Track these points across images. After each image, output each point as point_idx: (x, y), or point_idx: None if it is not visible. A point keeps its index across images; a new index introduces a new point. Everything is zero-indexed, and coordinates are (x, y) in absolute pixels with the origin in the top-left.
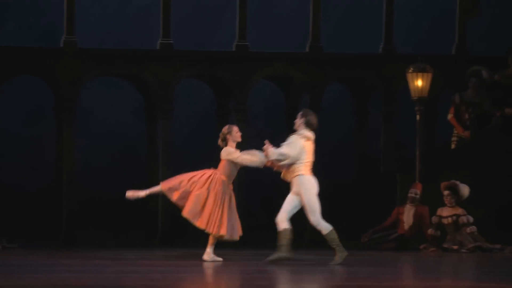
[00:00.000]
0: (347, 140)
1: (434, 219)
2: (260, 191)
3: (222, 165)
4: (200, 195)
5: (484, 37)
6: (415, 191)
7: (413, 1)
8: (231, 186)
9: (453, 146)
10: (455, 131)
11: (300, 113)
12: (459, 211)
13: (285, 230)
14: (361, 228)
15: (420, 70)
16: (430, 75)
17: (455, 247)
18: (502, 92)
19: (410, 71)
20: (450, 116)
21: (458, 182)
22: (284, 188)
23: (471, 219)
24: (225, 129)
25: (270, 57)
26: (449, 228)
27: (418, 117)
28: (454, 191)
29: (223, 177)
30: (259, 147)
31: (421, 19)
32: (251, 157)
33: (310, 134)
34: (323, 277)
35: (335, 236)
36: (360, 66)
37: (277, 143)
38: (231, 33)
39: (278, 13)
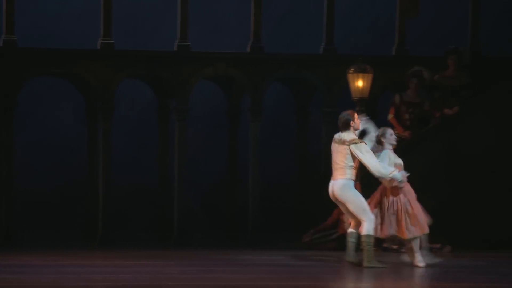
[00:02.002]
0: (288, 140)
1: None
2: (200, 190)
3: None
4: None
5: (424, 38)
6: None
7: (353, 2)
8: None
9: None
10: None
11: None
12: None
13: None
14: (302, 228)
15: (361, 71)
16: (370, 76)
17: (395, 246)
18: (442, 93)
19: (350, 71)
20: (390, 117)
21: None
22: (225, 188)
23: None
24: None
25: (211, 57)
26: None
27: None
28: None
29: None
30: (200, 148)
31: (361, 19)
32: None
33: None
34: (266, 277)
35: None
36: (301, 66)
37: (218, 143)
38: (173, 33)
39: (220, 13)
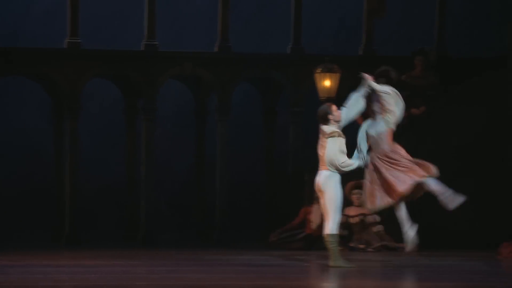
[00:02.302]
0: (255, 139)
1: (342, 218)
2: (168, 190)
3: None
4: None
5: (391, 38)
6: None
7: (321, 2)
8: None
9: None
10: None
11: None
12: (366, 210)
13: None
14: (269, 227)
15: (328, 71)
16: (337, 76)
17: (362, 246)
18: (409, 93)
19: (318, 71)
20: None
21: None
22: (193, 187)
23: (377, 218)
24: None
25: (178, 56)
26: (356, 227)
27: None
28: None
29: None
30: (168, 147)
31: (329, 20)
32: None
33: None
34: (234, 277)
35: None
36: (268, 66)
37: (186, 143)
38: (140, 32)
39: (188, 12)
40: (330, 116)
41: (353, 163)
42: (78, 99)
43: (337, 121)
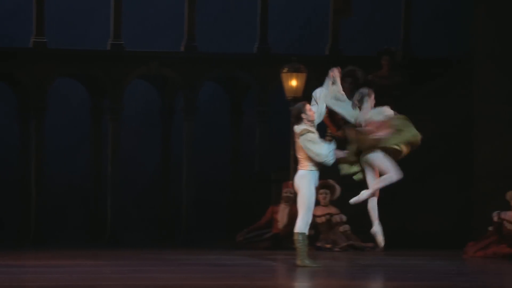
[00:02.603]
0: (222, 139)
1: None
2: (134, 189)
3: None
4: None
5: (357, 38)
6: (290, 190)
7: (287, 2)
8: None
9: None
10: (329, 131)
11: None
12: (333, 210)
13: None
14: (236, 227)
15: (294, 70)
16: (304, 75)
17: (328, 246)
18: (375, 92)
19: (284, 71)
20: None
21: (333, 181)
22: (159, 187)
23: (344, 218)
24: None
25: (145, 56)
26: (323, 227)
27: None
28: (330, 189)
29: None
30: (134, 147)
31: (295, 19)
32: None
33: None
34: (199, 276)
35: None
36: (235, 65)
37: (152, 142)
38: (106, 31)
39: (154, 12)
40: (303, 115)
41: (329, 149)
42: (44, 98)
43: (311, 121)
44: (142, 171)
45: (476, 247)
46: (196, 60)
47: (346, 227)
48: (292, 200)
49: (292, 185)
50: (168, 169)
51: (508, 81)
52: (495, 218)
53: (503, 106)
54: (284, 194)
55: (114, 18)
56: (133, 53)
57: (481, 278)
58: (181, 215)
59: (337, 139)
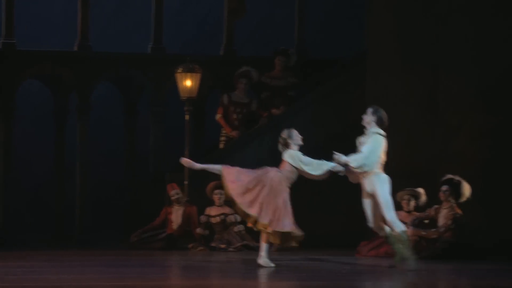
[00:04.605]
0: (116, 139)
1: (203, 218)
2: (28, 190)
3: (283, 165)
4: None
5: (252, 38)
6: (176, 191)
7: (181, 2)
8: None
9: (221, 145)
10: (224, 131)
11: (370, 110)
12: (227, 210)
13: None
14: (131, 228)
15: (189, 70)
16: (198, 76)
17: (223, 246)
18: (269, 93)
19: (179, 71)
20: (218, 116)
21: None
22: (54, 188)
23: (238, 218)
24: (284, 134)
25: (37, 55)
26: (217, 227)
27: (187, 117)
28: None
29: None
30: (28, 147)
31: (189, 19)
32: (314, 170)
33: (383, 132)
34: (94, 277)
35: (406, 238)
36: (129, 65)
37: (46, 143)
38: None
39: (47, 11)
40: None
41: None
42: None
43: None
44: (36, 172)
45: (368, 247)
46: (90, 59)
47: (241, 227)
48: (183, 200)
49: (177, 185)
50: (62, 170)
51: (400, 80)
52: None
53: (395, 107)
54: (173, 197)
55: (6, 17)
56: (26, 52)
57: (373, 277)
58: (75, 216)
59: (232, 139)
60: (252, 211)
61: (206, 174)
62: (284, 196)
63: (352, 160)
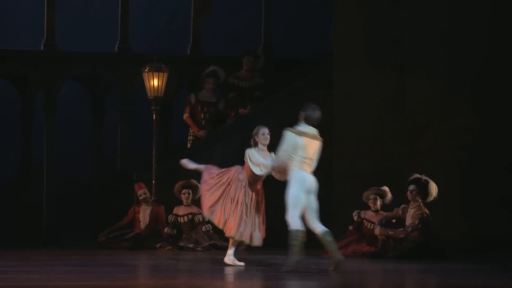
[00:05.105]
0: (84, 139)
1: (170, 217)
2: None
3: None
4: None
5: (219, 38)
6: (143, 191)
7: (148, 0)
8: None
9: (189, 145)
10: (191, 131)
11: (303, 107)
12: (195, 209)
13: (296, 231)
14: (98, 227)
15: (156, 70)
16: (165, 75)
17: (191, 245)
18: (236, 94)
19: (145, 70)
20: (185, 116)
21: (196, 182)
22: (22, 186)
23: (206, 217)
24: (254, 130)
25: (3, 55)
26: (185, 226)
27: (154, 116)
28: (192, 189)
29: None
30: None
31: (156, 18)
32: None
33: (308, 129)
34: (62, 277)
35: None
36: (96, 64)
37: (13, 143)
38: None
39: (12, 10)
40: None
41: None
42: None
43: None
44: (2, 173)
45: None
46: (56, 58)
47: (208, 226)
48: (150, 200)
49: (145, 185)
50: (29, 169)
51: (366, 80)
52: (356, 217)
53: (362, 107)
54: (140, 197)
55: None
56: None
57: (341, 276)
58: (42, 216)
59: (199, 139)
60: (213, 216)
61: (173, 173)
62: (241, 197)
63: (273, 161)
